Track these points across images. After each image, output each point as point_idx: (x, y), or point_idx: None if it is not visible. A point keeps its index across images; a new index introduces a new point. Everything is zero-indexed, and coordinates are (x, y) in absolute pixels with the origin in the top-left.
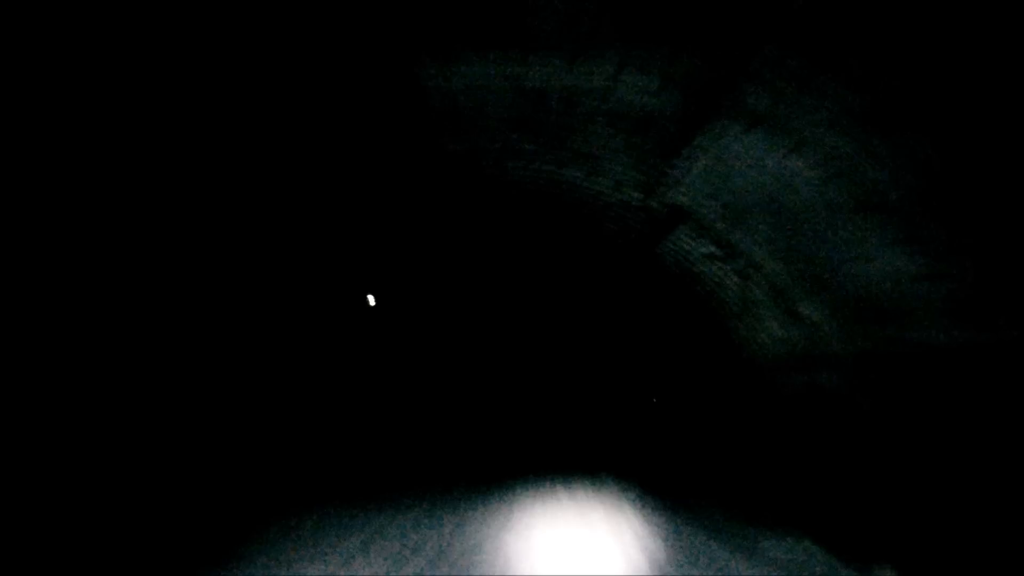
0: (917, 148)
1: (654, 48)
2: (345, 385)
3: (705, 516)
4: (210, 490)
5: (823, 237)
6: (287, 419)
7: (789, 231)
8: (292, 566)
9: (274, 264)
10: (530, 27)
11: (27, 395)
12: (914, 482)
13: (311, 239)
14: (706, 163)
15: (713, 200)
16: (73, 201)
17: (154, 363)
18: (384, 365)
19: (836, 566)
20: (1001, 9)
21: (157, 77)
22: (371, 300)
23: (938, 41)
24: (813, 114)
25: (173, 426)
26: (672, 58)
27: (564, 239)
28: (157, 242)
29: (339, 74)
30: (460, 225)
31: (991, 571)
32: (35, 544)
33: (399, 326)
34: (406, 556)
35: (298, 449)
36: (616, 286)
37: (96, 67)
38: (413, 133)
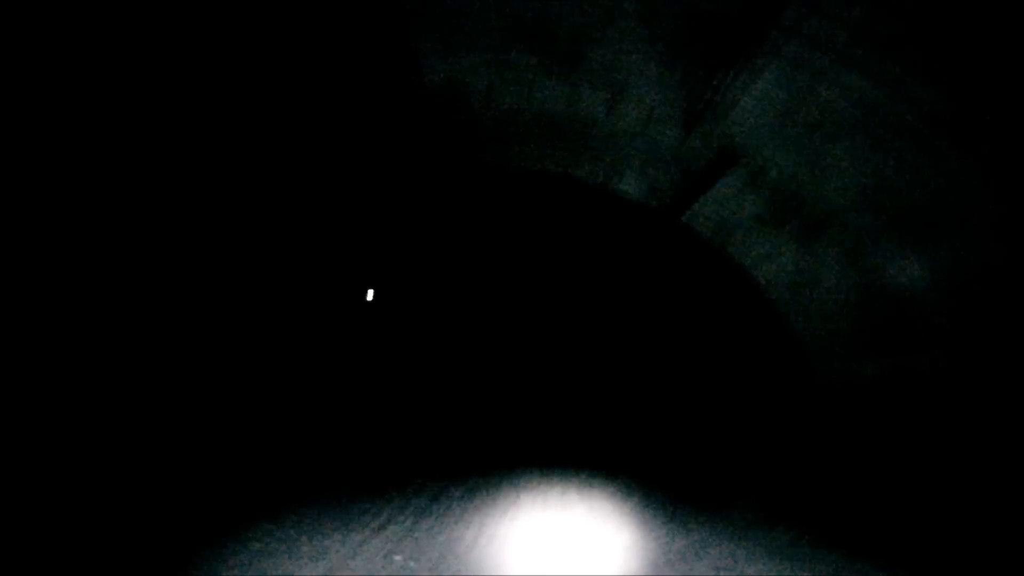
0: None
1: None
2: (335, 373)
3: (757, 533)
4: (191, 484)
5: (940, 170)
6: (275, 408)
7: (891, 165)
8: (281, 566)
9: (266, 248)
10: None
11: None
12: None
13: (297, 219)
14: (774, 77)
15: (779, 130)
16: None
17: (138, 350)
18: (378, 348)
19: None
20: None
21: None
22: (369, 293)
23: None
24: None
25: (150, 415)
26: None
27: (567, 205)
28: (146, 230)
29: None
30: (442, 189)
31: None
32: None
33: (391, 310)
34: (403, 561)
35: (287, 441)
36: (632, 264)
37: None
38: (381, 47)
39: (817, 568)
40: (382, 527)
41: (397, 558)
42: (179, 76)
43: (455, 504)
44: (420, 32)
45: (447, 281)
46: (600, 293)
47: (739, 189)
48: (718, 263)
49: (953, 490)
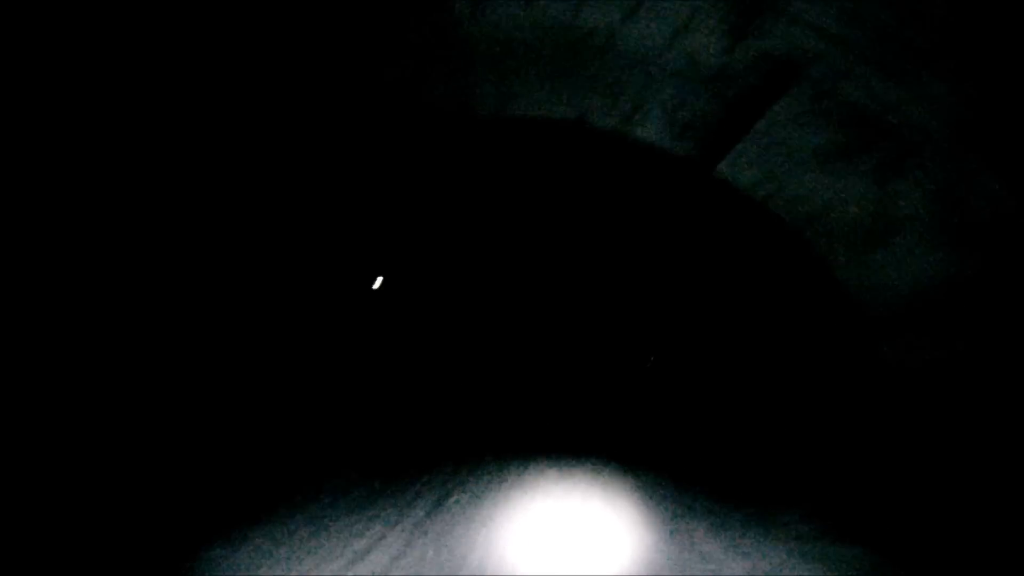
0: None
1: None
2: (307, 362)
3: (815, 546)
4: (188, 485)
5: None
6: (262, 407)
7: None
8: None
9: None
10: None
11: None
12: None
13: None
14: None
15: (856, 25)
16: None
17: (132, 343)
18: (364, 335)
19: None
20: None
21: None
22: (377, 282)
23: None
24: None
25: (143, 413)
26: None
27: (576, 161)
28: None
29: None
30: (429, 146)
31: None
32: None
33: (390, 296)
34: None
35: (281, 440)
36: (656, 229)
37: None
38: None
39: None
40: (365, 552)
41: (425, 542)
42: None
43: (457, 516)
44: None
45: (446, 262)
46: (617, 266)
47: (799, 115)
48: (762, 222)
49: None
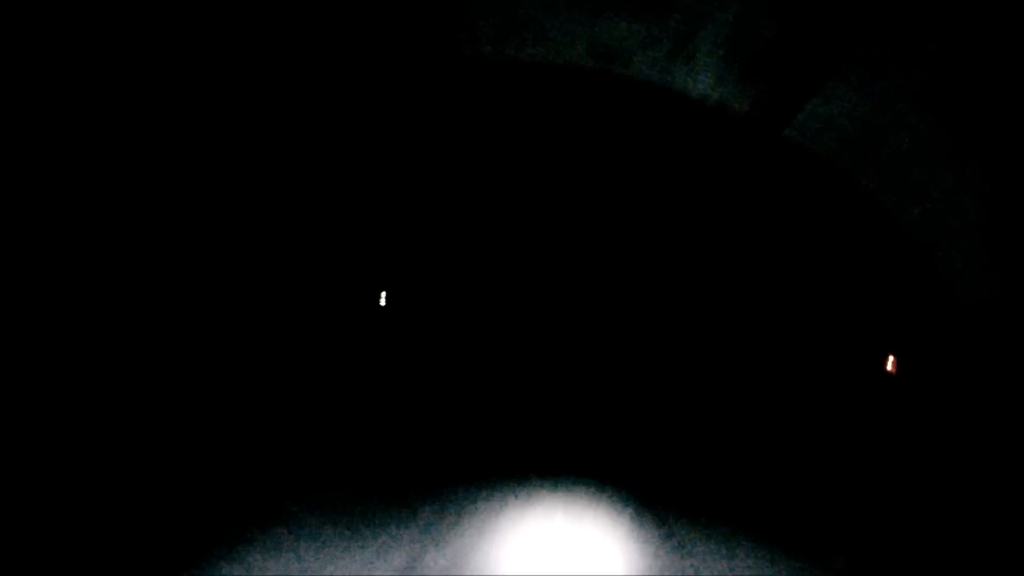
0: None
1: None
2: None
3: None
4: (184, 493)
5: None
6: (252, 414)
7: None
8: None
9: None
10: None
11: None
12: None
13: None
14: None
15: None
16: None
17: (143, 349)
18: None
19: None
20: None
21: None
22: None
23: None
24: None
25: (147, 420)
26: None
27: (606, 119)
28: (148, 227)
29: None
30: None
31: None
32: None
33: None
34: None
35: (272, 447)
36: (704, 211)
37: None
38: None
39: None
40: (406, 520)
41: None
42: None
43: (453, 539)
44: None
45: (445, 270)
46: (649, 260)
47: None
48: (846, 200)
49: None
